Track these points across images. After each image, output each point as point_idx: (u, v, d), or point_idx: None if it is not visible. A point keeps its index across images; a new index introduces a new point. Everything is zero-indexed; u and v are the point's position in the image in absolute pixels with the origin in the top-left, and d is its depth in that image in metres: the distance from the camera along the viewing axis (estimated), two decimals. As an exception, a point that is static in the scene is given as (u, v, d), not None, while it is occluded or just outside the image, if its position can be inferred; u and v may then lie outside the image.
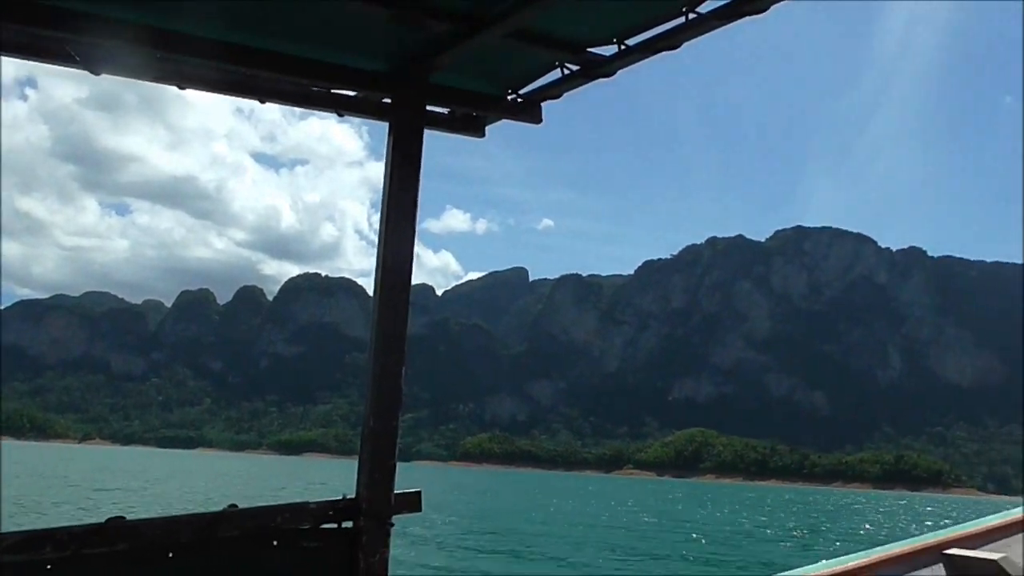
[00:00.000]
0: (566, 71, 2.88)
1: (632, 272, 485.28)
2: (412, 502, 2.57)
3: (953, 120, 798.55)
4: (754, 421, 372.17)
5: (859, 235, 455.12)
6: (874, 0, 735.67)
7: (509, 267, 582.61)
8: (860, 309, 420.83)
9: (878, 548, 2.63)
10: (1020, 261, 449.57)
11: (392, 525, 2.52)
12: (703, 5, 2.29)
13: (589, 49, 2.79)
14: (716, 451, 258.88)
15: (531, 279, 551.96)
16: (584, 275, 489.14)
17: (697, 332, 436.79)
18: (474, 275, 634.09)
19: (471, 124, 3.23)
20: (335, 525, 2.51)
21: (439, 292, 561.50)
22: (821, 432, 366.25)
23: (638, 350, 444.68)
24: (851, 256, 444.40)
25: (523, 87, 3.09)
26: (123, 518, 2.32)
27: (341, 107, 3.07)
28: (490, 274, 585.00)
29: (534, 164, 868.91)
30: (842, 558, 2.53)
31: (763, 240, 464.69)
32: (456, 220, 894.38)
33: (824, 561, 2.49)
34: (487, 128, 3.14)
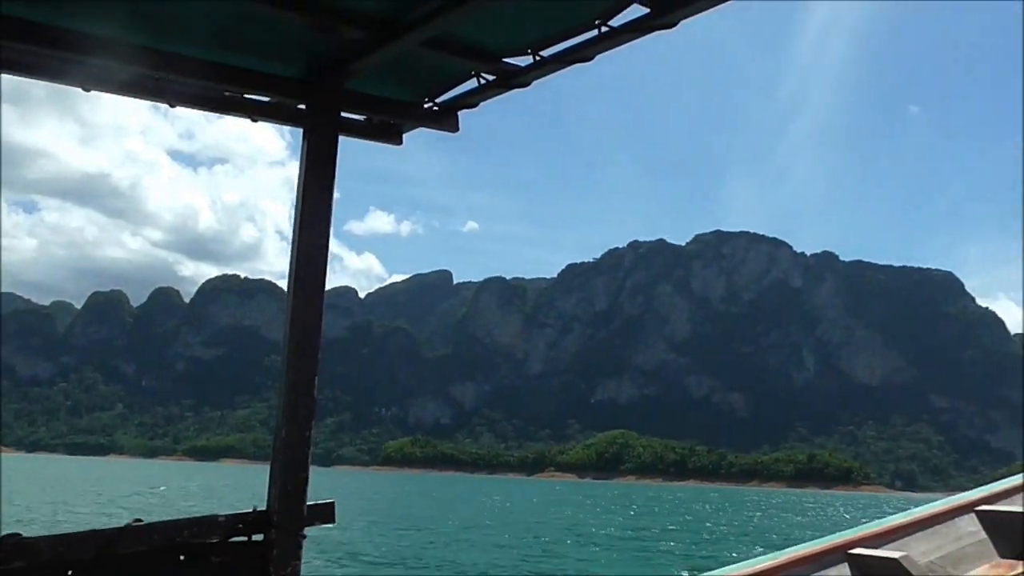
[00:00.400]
0: (482, 80, 2.89)
1: (556, 275, 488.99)
2: (325, 513, 2.57)
3: (864, 128, 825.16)
4: (675, 422, 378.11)
5: (775, 240, 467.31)
6: (791, 1, 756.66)
7: (433, 269, 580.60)
8: (776, 312, 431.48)
9: (786, 550, 2.66)
10: (925, 265, 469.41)
11: (304, 537, 2.46)
12: (615, 19, 2.30)
13: (504, 59, 2.80)
14: (636, 452, 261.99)
15: (455, 281, 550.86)
16: (508, 278, 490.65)
17: (619, 334, 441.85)
18: (398, 277, 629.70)
19: (388, 132, 3.20)
20: (245, 538, 2.40)
21: (362, 294, 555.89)
22: (739, 432, 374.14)
23: (561, 352, 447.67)
24: (767, 260, 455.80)
25: (440, 96, 3.07)
26: (19, 535, 2.18)
27: (255, 113, 3.02)
28: (414, 276, 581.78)
29: (459, 166, 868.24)
30: (751, 560, 2.55)
31: (683, 244, 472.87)
32: (380, 222, 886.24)
33: (734, 565, 2.51)
34: (404, 136, 3.12)
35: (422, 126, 3.11)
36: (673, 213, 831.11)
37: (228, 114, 3.00)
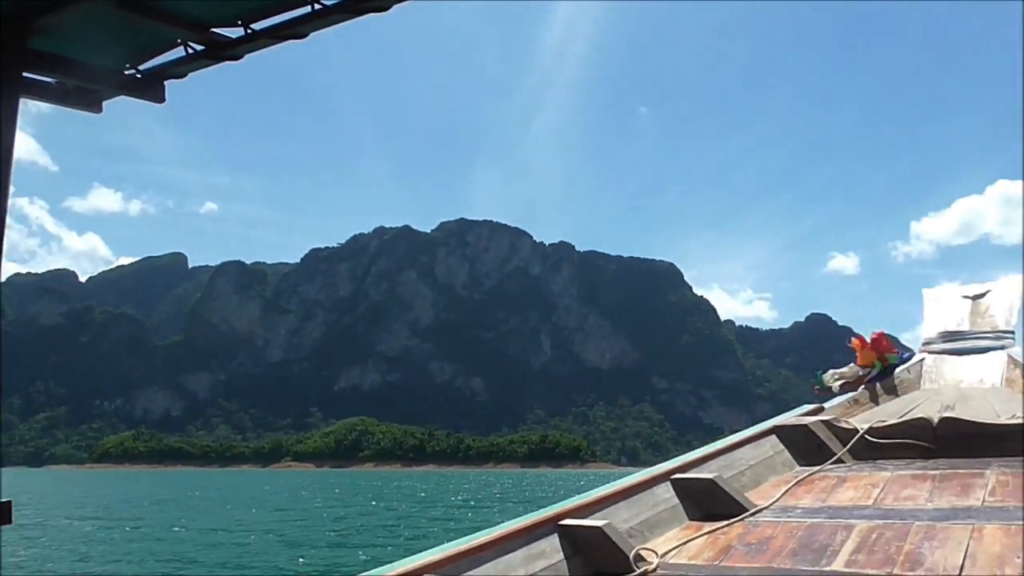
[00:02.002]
0: (190, 50, 2.69)
1: (299, 260, 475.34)
2: (1, 514, 2.33)
3: (599, 126, 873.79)
4: (418, 408, 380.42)
5: (517, 229, 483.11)
6: (534, 2, 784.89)
7: (166, 252, 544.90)
8: (516, 298, 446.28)
9: (501, 525, 2.76)
10: (651, 257, 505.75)
11: None
12: None
13: (213, 29, 2.61)
14: (376, 439, 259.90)
15: (191, 265, 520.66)
16: (248, 262, 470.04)
17: (363, 321, 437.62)
18: (125, 260, 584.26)
19: (85, 98, 2.90)
20: None
21: (83, 278, 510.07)
22: (480, 416, 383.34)
23: (303, 339, 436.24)
24: (509, 248, 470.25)
25: (143, 63, 2.84)
26: None
27: None
28: (144, 259, 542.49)
29: (198, 145, 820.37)
30: (467, 537, 2.62)
31: (429, 231, 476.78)
32: (105, 200, 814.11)
33: (454, 541, 2.57)
34: (105, 104, 2.90)
35: (124, 94, 2.90)
36: (419, 200, 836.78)
37: None
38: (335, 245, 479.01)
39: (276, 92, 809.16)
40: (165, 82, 2.76)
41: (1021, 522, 2.65)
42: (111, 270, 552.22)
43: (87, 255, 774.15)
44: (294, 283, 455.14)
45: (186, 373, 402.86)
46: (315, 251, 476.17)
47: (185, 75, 2.86)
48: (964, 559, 2.37)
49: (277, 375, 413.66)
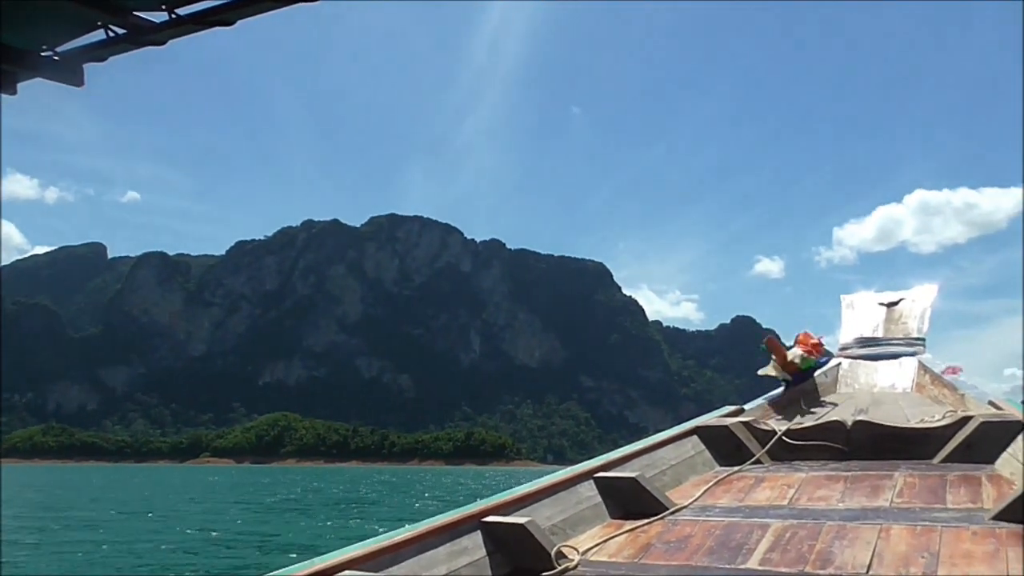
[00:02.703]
0: (111, 33, 2.59)
1: (224, 252, 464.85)
2: None
3: (532, 126, 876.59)
4: (344, 404, 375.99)
5: (447, 225, 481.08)
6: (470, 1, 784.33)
7: (84, 242, 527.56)
8: (446, 295, 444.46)
9: (424, 521, 2.76)
10: (580, 256, 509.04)
11: None
12: None
13: (136, 13, 2.53)
14: (299, 435, 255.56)
15: (111, 256, 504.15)
16: (171, 254, 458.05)
17: (290, 315, 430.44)
18: (41, 249, 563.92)
19: None
20: None
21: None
22: (408, 413, 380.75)
23: (227, 333, 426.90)
24: (439, 245, 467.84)
25: (61, 45, 2.73)
26: None
27: None
28: (61, 249, 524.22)
29: (121, 132, 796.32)
30: (389, 533, 2.61)
31: (358, 225, 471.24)
32: (20, 186, 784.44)
33: (375, 538, 2.57)
34: (21, 86, 2.77)
35: (40, 76, 2.75)
36: (349, 195, 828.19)
37: None
38: (262, 238, 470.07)
39: (204, 81, 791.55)
40: (84, 65, 2.65)
41: (926, 523, 2.76)
42: (26, 259, 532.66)
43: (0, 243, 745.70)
44: (219, 276, 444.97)
45: (103, 366, 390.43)
46: (241, 244, 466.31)
47: (105, 59, 2.75)
48: (872, 558, 2.46)
49: (199, 369, 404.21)
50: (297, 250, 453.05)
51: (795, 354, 5.54)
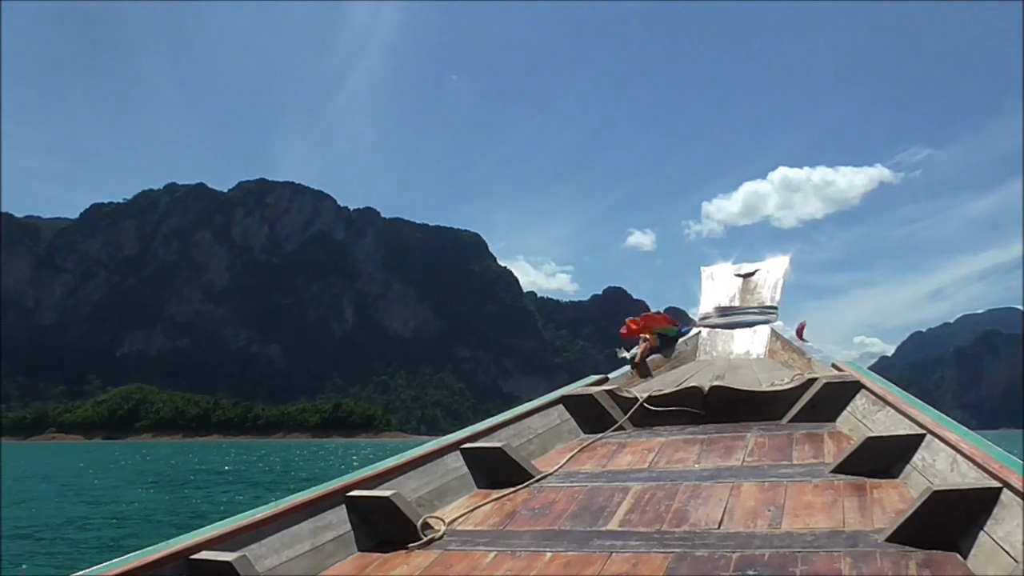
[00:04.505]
0: None
1: (78, 215, 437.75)
2: None
3: (410, 93, 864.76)
4: (210, 375, 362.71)
5: (320, 192, 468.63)
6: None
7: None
8: (318, 264, 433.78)
9: (286, 498, 2.74)
10: (456, 226, 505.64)
11: None
12: None
13: None
14: (155, 408, 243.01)
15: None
16: (19, 216, 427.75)
17: (151, 283, 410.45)
18: None
19: None
20: None
21: None
22: (277, 384, 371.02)
23: (82, 301, 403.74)
24: (311, 212, 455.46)
25: None
26: None
27: None
28: None
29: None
30: (248, 512, 2.59)
31: (226, 190, 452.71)
32: None
33: (231, 518, 2.52)
34: None
35: None
36: (216, 159, 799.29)
37: None
38: (120, 201, 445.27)
39: (66, 35, 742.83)
40: None
41: (773, 479, 2.95)
42: None
43: None
44: (72, 239, 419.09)
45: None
46: (97, 206, 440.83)
47: None
48: (723, 514, 2.62)
49: (50, 339, 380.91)
50: (159, 214, 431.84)
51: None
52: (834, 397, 3.78)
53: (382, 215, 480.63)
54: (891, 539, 2.17)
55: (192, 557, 2.29)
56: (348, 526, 2.78)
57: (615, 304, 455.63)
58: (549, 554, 2.45)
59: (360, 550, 2.72)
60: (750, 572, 2.09)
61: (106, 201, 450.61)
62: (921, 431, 2.79)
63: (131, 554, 2.23)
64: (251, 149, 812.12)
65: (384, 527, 2.80)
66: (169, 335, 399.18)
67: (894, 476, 2.76)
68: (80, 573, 2.04)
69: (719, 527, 2.51)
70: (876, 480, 2.75)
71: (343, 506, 2.82)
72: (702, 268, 7.61)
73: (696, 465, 3.31)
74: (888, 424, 3.19)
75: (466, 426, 3.73)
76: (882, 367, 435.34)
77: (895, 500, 2.53)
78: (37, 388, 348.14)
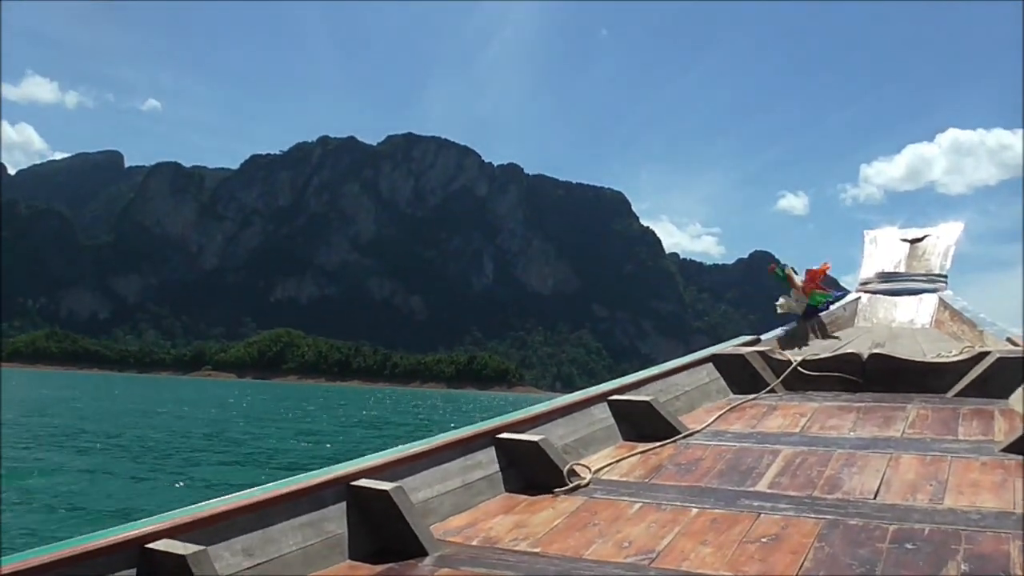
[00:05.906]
0: None
1: (238, 166, 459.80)
2: None
3: (559, 49, 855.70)
4: (354, 323, 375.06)
5: (465, 147, 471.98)
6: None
7: (102, 149, 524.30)
8: (460, 218, 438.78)
9: (439, 435, 2.83)
10: (599, 184, 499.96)
11: None
12: None
13: None
14: (300, 352, 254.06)
15: (127, 165, 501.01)
16: (186, 165, 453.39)
17: (303, 232, 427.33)
18: (60, 155, 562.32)
19: None
20: None
21: (12, 171, 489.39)
22: (417, 335, 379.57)
23: (240, 247, 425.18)
24: (456, 167, 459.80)
25: None
26: None
27: None
28: (78, 155, 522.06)
29: (142, 40, 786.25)
30: (403, 446, 2.68)
31: (375, 144, 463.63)
32: (40, 89, 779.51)
33: (388, 450, 2.63)
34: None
35: None
36: (367, 113, 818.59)
37: None
38: (277, 153, 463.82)
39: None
40: None
41: (936, 453, 2.82)
42: (43, 164, 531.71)
43: (21, 147, 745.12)
44: (232, 189, 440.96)
45: (115, 275, 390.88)
46: (256, 157, 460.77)
47: None
48: (880, 485, 2.54)
49: (211, 283, 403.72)
50: (312, 166, 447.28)
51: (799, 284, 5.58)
52: (1008, 373, 3.60)
53: (525, 171, 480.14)
54: None
55: (352, 484, 2.39)
56: (497, 467, 2.85)
57: (760, 269, 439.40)
58: (695, 510, 2.46)
59: (508, 491, 2.79)
60: (908, 546, 2.02)
61: (264, 152, 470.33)
62: None
63: (291, 477, 2.35)
64: (401, 103, 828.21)
65: (531, 471, 2.86)
66: (318, 283, 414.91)
67: None
68: (254, 488, 2.20)
69: (875, 498, 2.44)
70: None
71: (492, 447, 2.88)
72: (865, 231, 7.28)
73: (851, 433, 3.23)
74: None
75: None
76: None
77: None
78: (199, 328, 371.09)
